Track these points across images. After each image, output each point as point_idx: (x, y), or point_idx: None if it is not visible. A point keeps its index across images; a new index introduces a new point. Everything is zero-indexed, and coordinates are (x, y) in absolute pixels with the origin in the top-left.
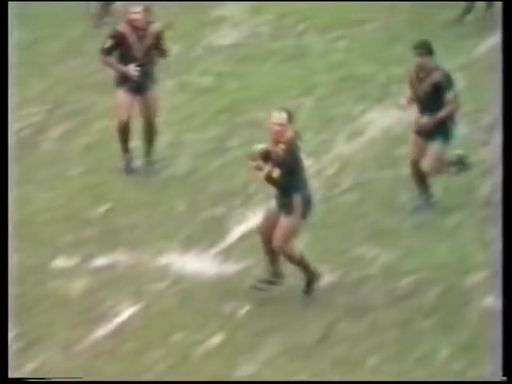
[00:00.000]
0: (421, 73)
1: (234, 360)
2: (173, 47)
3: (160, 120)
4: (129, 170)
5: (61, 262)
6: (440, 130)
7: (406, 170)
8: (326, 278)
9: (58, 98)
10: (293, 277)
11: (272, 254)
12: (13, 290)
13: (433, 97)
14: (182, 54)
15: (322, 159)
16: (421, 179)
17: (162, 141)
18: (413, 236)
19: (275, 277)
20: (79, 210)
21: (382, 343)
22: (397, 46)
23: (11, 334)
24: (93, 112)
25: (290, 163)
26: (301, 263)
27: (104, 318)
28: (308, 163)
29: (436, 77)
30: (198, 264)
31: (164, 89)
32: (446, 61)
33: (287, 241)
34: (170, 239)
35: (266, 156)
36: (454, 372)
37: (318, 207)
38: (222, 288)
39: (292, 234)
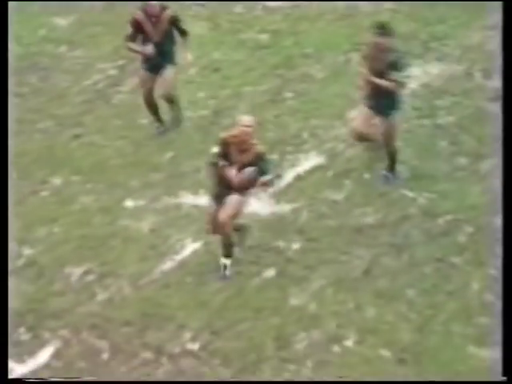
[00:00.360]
0: (377, 52)
1: (285, 291)
2: (236, 7)
3: (220, 74)
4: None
5: (130, 203)
6: (390, 106)
7: (443, 119)
8: (370, 218)
9: (130, 55)
10: (341, 217)
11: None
12: (85, 230)
13: (386, 75)
14: (243, 14)
15: None
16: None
17: (223, 93)
18: (448, 180)
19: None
20: (147, 156)
21: (419, 277)
22: (437, 7)
23: (80, 269)
24: None
25: None
26: (231, 240)
27: (169, 253)
28: (353, 113)
29: (392, 57)
30: (255, 204)
31: (225, 46)
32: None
33: (239, 215)
34: None
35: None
36: (484, 303)
37: (362, 153)
38: (276, 226)
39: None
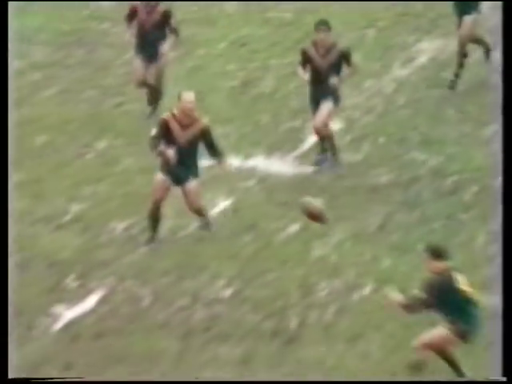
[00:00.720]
0: (321, 49)
1: (309, 244)
2: None
3: (248, 48)
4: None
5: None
6: (331, 94)
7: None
8: (385, 178)
9: None
10: (358, 177)
11: (157, 218)
12: (127, 188)
13: (337, 65)
14: None
15: (382, 80)
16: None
17: (250, 66)
18: (456, 144)
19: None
20: None
21: (429, 232)
22: None
23: (123, 224)
24: (195, 41)
25: None
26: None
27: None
28: (369, 84)
29: (340, 48)
30: (280, 166)
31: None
32: None
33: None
34: (257, 146)
35: None
36: (487, 256)
37: (378, 120)
38: (299, 185)
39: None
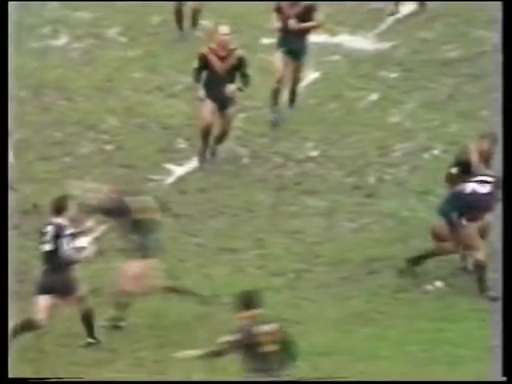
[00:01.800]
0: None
1: (386, 111)
2: None
3: None
4: None
5: (266, 40)
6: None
7: None
8: (454, 53)
9: None
10: (431, 52)
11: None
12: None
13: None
14: None
15: None
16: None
17: None
18: None
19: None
20: None
21: (492, 100)
22: None
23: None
24: None
25: None
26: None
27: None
28: None
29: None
30: (362, 42)
31: None
32: None
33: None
34: (342, 24)
35: None
36: None
37: (449, 3)
38: (378, 59)
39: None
